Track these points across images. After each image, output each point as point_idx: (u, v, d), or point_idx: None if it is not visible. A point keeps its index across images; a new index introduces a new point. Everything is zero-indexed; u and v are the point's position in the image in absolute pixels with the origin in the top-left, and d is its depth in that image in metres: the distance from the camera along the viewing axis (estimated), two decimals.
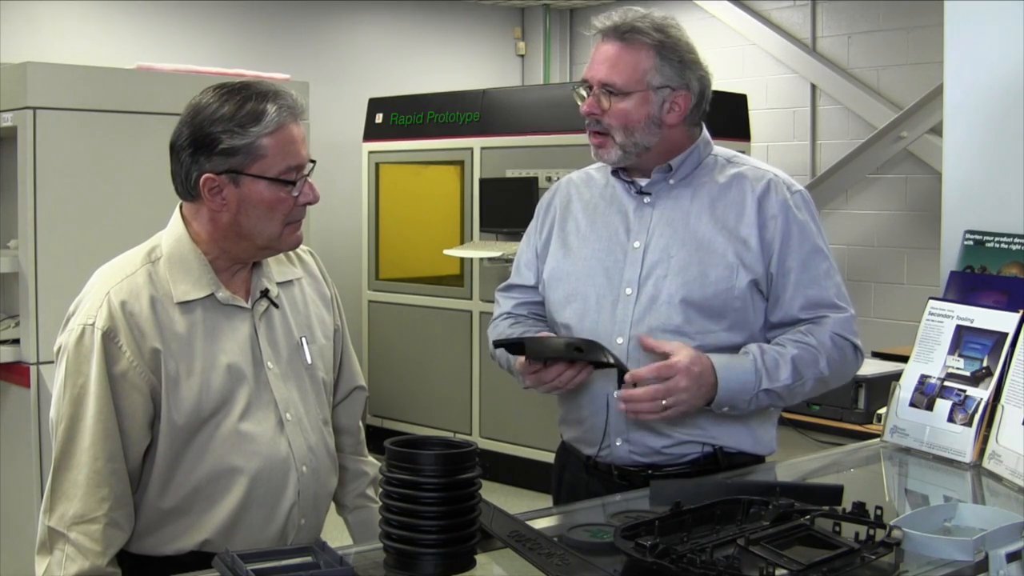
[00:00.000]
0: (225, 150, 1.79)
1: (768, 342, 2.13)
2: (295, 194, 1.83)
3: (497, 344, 2.08)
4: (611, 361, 2.00)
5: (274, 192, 1.82)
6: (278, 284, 1.96)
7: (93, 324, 1.78)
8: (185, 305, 1.83)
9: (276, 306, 1.93)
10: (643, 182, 2.20)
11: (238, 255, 1.88)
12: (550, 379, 2.05)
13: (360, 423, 2.18)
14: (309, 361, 1.96)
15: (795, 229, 2.13)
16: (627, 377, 1.98)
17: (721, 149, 2.25)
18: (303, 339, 1.96)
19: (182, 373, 1.80)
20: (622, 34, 2.11)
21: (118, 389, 1.77)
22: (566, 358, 2.02)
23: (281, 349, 1.92)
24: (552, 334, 2.17)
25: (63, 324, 1.85)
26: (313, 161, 1.88)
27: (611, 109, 2.11)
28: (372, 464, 2.16)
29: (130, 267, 1.85)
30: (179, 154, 1.83)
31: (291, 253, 2.03)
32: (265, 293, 1.92)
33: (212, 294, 1.85)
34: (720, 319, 2.10)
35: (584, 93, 2.15)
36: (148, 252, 1.87)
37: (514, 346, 2.06)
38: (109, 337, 1.77)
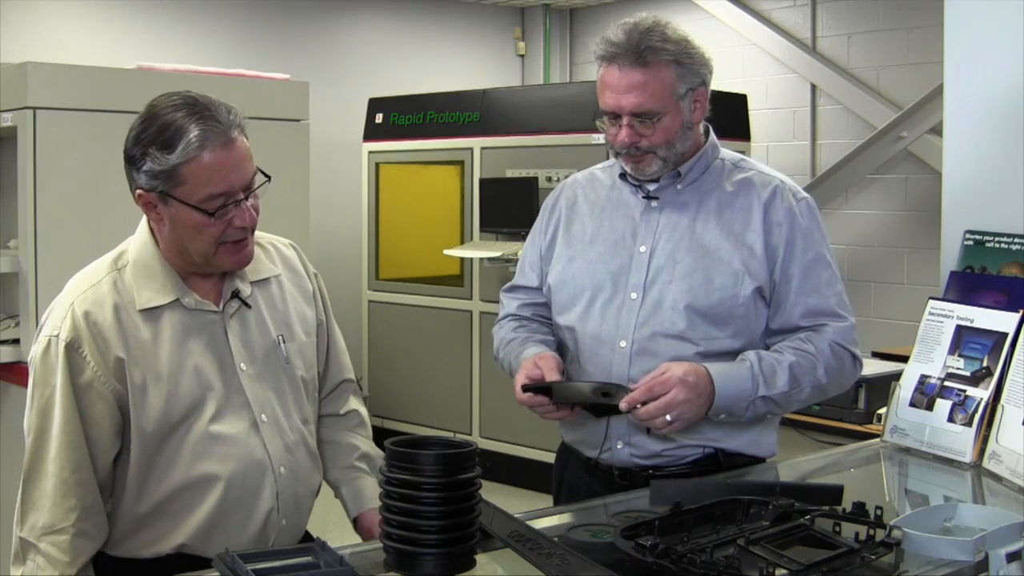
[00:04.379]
0: (148, 172, 1.78)
1: (767, 348, 2.13)
2: (218, 218, 1.78)
3: (526, 388, 2.05)
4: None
5: (201, 217, 1.78)
6: (254, 283, 1.94)
7: (58, 335, 1.80)
8: (150, 312, 1.83)
9: (248, 306, 1.91)
10: (651, 186, 2.19)
11: (188, 267, 1.86)
12: (538, 406, 2.05)
13: (356, 409, 2.15)
14: (286, 360, 1.94)
15: (799, 236, 2.13)
16: (622, 404, 1.99)
17: (728, 152, 2.24)
18: (280, 338, 1.94)
19: (149, 380, 1.80)
20: (638, 57, 2.05)
21: (83, 399, 1.78)
22: (591, 401, 2.03)
23: (256, 349, 1.90)
24: (582, 382, 2.14)
25: (36, 334, 1.86)
26: (267, 177, 1.83)
27: (652, 133, 2.08)
28: (365, 441, 2.12)
29: (96, 276, 1.86)
30: (124, 162, 1.83)
31: (270, 248, 2.01)
32: (236, 294, 1.90)
33: (178, 300, 1.84)
34: (724, 326, 2.10)
35: (605, 123, 2.12)
36: (115, 259, 1.88)
37: (543, 388, 2.05)
38: (73, 348, 1.78)
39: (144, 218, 1.90)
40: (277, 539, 1.89)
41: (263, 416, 1.88)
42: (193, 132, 1.74)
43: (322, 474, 2.04)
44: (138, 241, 1.89)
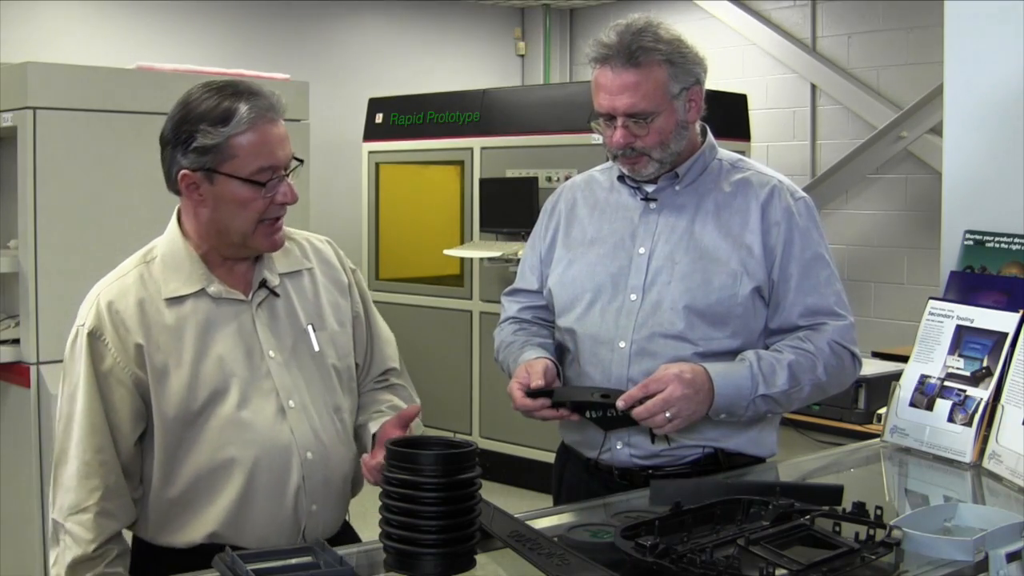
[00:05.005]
0: (197, 148, 1.82)
1: (767, 348, 2.13)
2: (268, 194, 1.85)
3: (528, 395, 2.07)
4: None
5: (248, 191, 1.84)
6: (284, 274, 1.98)
7: (84, 325, 1.87)
8: (175, 301, 1.88)
9: (276, 295, 1.95)
10: (649, 188, 2.20)
11: (224, 250, 1.91)
12: (537, 409, 2.06)
13: (403, 384, 2.15)
14: (316, 349, 1.97)
15: (797, 236, 2.13)
16: (619, 402, 1.99)
17: (726, 152, 2.25)
18: (311, 327, 1.98)
19: (171, 366, 1.85)
20: (630, 57, 2.06)
21: (104, 386, 1.85)
22: (593, 403, 2.05)
23: (285, 338, 1.94)
24: (582, 387, 2.16)
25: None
26: (300, 160, 1.90)
27: (646, 134, 2.09)
28: (400, 401, 2.11)
29: (124, 270, 1.93)
30: (163, 148, 1.88)
31: (304, 243, 2.07)
32: (264, 284, 1.94)
33: (203, 289, 1.89)
34: (723, 326, 2.10)
35: (601, 124, 2.13)
36: (144, 254, 1.95)
37: (545, 392, 2.07)
38: (95, 336, 1.85)
39: (173, 216, 1.95)
40: (309, 526, 1.91)
41: (291, 402, 1.91)
42: (244, 107, 1.81)
43: (355, 462, 2.02)
44: (167, 237, 1.95)
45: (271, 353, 1.91)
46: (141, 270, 1.91)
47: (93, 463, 1.83)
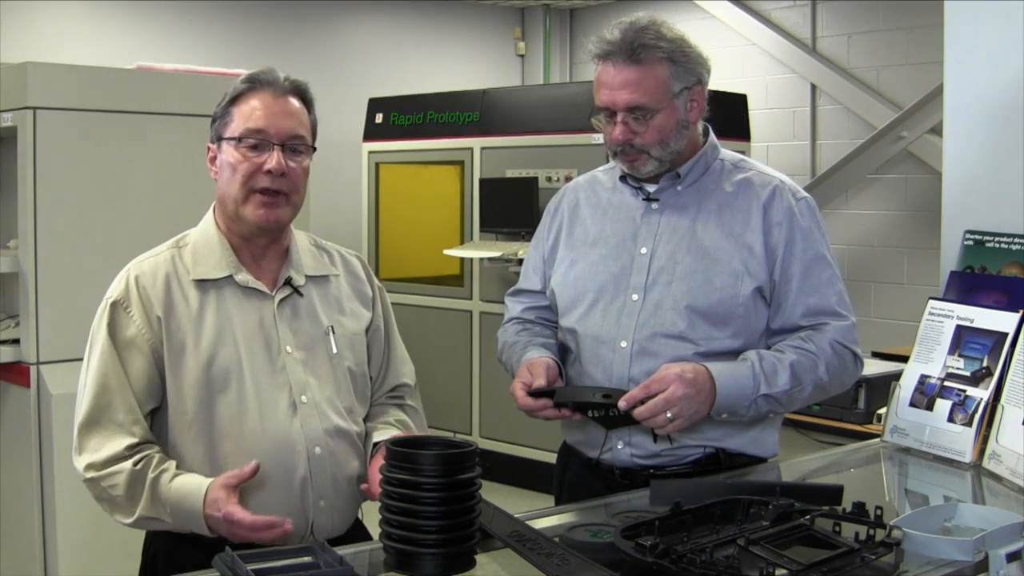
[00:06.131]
0: (213, 120, 1.98)
1: (768, 348, 2.13)
2: (255, 158, 1.90)
3: (530, 394, 2.08)
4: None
5: (236, 152, 1.92)
6: (311, 276, 2.03)
7: (111, 297, 1.94)
8: (201, 283, 1.94)
9: (300, 294, 1.99)
10: (651, 188, 2.20)
11: (232, 227, 1.97)
12: (539, 409, 2.07)
13: (412, 405, 2.17)
14: (335, 350, 2.00)
15: (799, 236, 2.13)
16: (621, 403, 1.99)
17: (728, 153, 2.25)
18: (330, 328, 2.01)
19: (189, 346, 1.90)
20: (632, 54, 2.07)
21: (125, 355, 1.89)
22: (595, 403, 2.05)
23: (304, 336, 1.98)
24: (584, 387, 2.17)
25: None
26: (313, 148, 1.97)
27: (646, 130, 2.10)
28: (410, 421, 2.12)
29: (156, 251, 2.00)
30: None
31: (334, 254, 2.12)
32: (288, 281, 1.98)
33: (231, 276, 1.94)
34: (724, 326, 2.10)
35: (602, 120, 2.14)
36: (177, 240, 2.02)
37: (550, 391, 2.08)
38: (122, 306, 1.92)
39: (210, 208, 2.02)
40: (317, 522, 1.92)
41: (303, 398, 1.94)
42: (245, 78, 1.95)
43: (365, 463, 2.03)
44: (201, 226, 2.02)
45: (288, 348, 1.95)
46: (173, 252, 1.98)
47: (126, 423, 1.86)
